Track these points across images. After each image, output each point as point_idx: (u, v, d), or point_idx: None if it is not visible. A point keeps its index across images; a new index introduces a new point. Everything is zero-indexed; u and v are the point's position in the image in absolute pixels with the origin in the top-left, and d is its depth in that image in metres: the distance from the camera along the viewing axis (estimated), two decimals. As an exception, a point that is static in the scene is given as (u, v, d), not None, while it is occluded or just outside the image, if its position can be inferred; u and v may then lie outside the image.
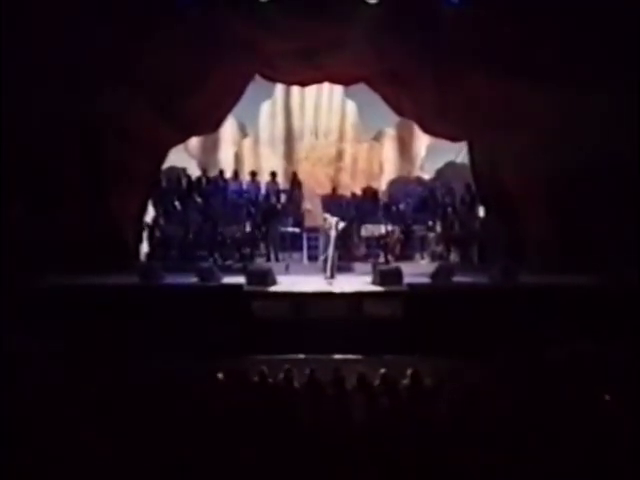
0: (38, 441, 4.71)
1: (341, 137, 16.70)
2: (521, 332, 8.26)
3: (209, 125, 12.51)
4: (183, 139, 12.84)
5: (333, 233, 10.19)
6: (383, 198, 13.50)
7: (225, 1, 10.39)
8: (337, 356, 8.22)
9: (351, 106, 16.73)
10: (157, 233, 11.92)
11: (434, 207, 12.68)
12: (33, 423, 5.03)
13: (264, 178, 13.37)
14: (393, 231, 11.96)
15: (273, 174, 13.21)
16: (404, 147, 16.81)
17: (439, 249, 12.06)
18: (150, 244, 11.86)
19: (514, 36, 10.05)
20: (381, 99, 12.52)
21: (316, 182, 15.31)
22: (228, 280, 9.68)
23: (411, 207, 12.88)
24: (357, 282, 9.73)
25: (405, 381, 6.32)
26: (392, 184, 15.50)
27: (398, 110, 12.64)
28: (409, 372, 6.37)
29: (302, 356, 8.11)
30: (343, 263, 10.75)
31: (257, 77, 12.18)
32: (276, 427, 5.08)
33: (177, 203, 12.46)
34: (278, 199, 12.82)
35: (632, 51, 9.60)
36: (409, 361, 7.02)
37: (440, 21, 10.36)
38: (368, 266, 10.93)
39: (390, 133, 16.93)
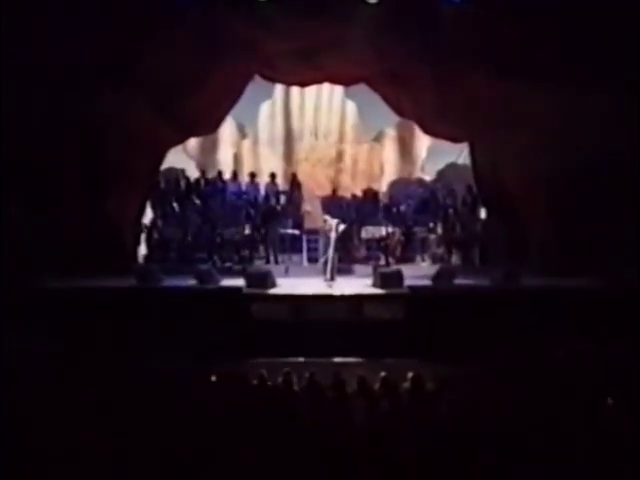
0: (38, 441, 4.70)
1: (341, 138, 16.61)
2: (523, 335, 8.24)
3: (208, 125, 12.50)
4: (182, 140, 12.83)
5: (333, 235, 10.16)
6: (384, 199, 13.44)
7: (225, 1, 10.40)
8: (337, 359, 8.22)
9: (351, 107, 16.65)
10: (155, 235, 11.87)
11: (435, 209, 12.63)
12: (33, 423, 5.02)
13: (263, 179, 13.34)
14: (394, 233, 11.91)
15: (272, 175, 13.18)
16: (405, 148, 16.73)
17: (440, 251, 12.01)
18: (148, 246, 11.81)
19: (514, 36, 10.07)
20: (381, 100, 12.51)
21: (316, 183, 15.26)
22: (227, 282, 9.64)
23: (412, 209, 12.82)
24: (357, 284, 9.70)
25: (406, 385, 6.29)
26: (393, 185, 15.44)
27: (398, 111, 12.64)
28: (410, 376, 6.34)
29: (302, 359, 8.11)
30: (343, 265, 10.72)
31: (257, 77, 12.17)
32: (276, 431, 5.04)
33: (175, 204, 12.42)
34: (277, 200, 12.77)
35: (632, 51, 9.63)
36: (410, 364, 7.01)
37: (440, 21, 10.37)
38: (368, 268, 10.88)
39: (391, 134, 16.85)
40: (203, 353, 8.04)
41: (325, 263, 10.11)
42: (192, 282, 9.43)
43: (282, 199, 12.83)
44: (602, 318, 8.23)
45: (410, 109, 12.23)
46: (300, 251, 11.63)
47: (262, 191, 12.94)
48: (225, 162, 15.92)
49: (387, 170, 16.70)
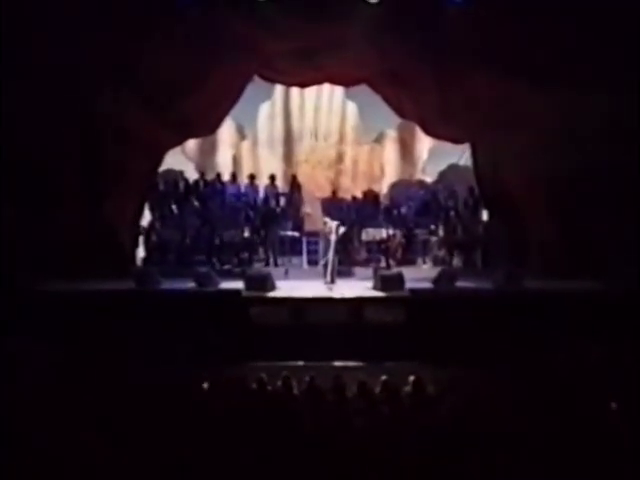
0: (38, 443, 4.71)
1: (341, 139, 16.61)
2: (525, 338, 8.19)
3: (207, 126, 12.46)
4: (181, 141, 12.82)
5: (333, 237, 10.09)
6: (384, 201, 13.44)
7: (225, 1, 10.40)
8: (337, 363, 8.16)
9: (352, 108, 16.65)
10: (153, 237, 11.81)
11: (436, 210, 12.62)
12: (32, 425, 5.02)
13: (263, 181, 13.32)
14: (394, 235, 11.88)
15: (272, 177, 13.15)
16: (406, 149, 16.73)
17: (441, 253, 11.98)
18: (146, 248, 11.76)
19: (514, 36, 10.08)
20: (382, 100, 12.50)
21: (316, 185, 15.26)
22: (226, 285, 9.58)
23: (413, 210, 12.81)
24: (358, 287, 9.65)
25: (407, 388, 6.27)
26: (393, 187, 15.46)
27: (399, 111, 12.63)
28: (411, 379, 6.33)
29: (302, 363, 8.04)
30: (343, 268, 10.68)
31: (256, 78, 12.16)
32: (275, 436, 5.01)
33: (174, 207, 12.39)
34: (277, 202, 12.75)
35: (632, 51, 9.64)
36: (411, 368, 6.99)
37: (441, 21, 10.38)
38: (369, 271, 10.86)
39: (391, 135, 16.85)
40: (202, 356, 8.00)
41: (325, 265, 10.04)
42: (191, 285, 9.37)
43: (282, 201, 12.82)
44: (604, 320, 8.20)
45: (411, 110, 12.23)
46: (300, 253, 11.61)
47: (261, 193, 12.92)
48: (224, 164, 15.93)
49: (388, 172, 16.71)
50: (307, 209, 12.50)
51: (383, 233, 11.82)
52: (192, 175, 14.01)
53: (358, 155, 16.58)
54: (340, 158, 16.46)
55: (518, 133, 10.69)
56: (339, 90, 16.26)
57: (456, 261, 11.92)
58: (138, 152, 11.12)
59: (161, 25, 10.30)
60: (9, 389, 5.86)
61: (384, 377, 6.43)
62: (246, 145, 16.70)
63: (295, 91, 16.30)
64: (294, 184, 13.27)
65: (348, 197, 13.61)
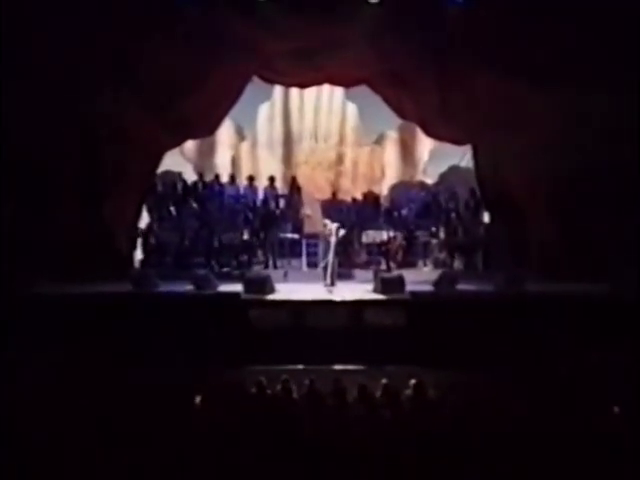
0: (38, 444, 4.75)
1: (341, 140, 16.57)
2: (526, 341, 8.20)
3: (206, 127, 12.45)
4: (180, 142, 12.83)
5: (333, 239, 10.09)
6: (385, 203, 13.41)
7: (225, 1, 10.42)
8: (337, 366, 8.15)
9: (352, 108, 16.61)
10: (152, 239, 11.77)
11: (437, 212, 12.59)
12: (32, 427, 5.06)
13: (262, 183, 13.28)
14: (395, 237, 11.84)
15: (271, 178, 13.11)
16: (406, 151, 16.70)
17: (442, 256, 11.96)
18: (144, 250, 11.71)
19: (514, 36, 10.10)
20: (382, 101, 12.50)
21: (316, 187, 15.22)
22: (225, 288, 9.55)
23: (413, 212, 12.77)
24: (358, 290, 9.64)
25: (407, 392, 6.29)
26: (394, 189, 15.41)
27: (400, 112, 12.63)
28: (412, 383, 6.35)
29: (301, 366, 8.05)
30: (343, 270, 10.65)
31: (255, 79, 12.17)
32: (275, 440, 5.02)
33: (172, 208, 12.35)
34: (277, 204, 12.70)
35: (632, 51, 9.67)
36: (411, 371, 7.00)
37: (440, 21, 10.40)
38: (369, 273, 10.85)
39: (392, 136, 16.82)
40: (200, 360, 7.98)
41: (325, 268, 10.03)
42: (189, 287, 9.35)
43: (281, 203, 12.77)
44: (605, 323, 8.20)
45: (412, 110, 12.23)
46: (299, 256, 11.57)
47: (261, 195, 12.88)
48: (223, 165, 15.89)
49: (388, 173, 16.68)
50: (307, 211, 12.47)
51: (383, 235, 11.78)
52: (191, 176, 13.99)
53: (358, 156, 16.54)
54: (340, 159, 16.42)
55: (518, 133, 10.71)
56: (339, 91, 16.22)
57: (457, 263, 11.89)
58: (137, 152, 11.14)
59: (161, 25, 10.32)
60: (9, 390, 5.90)
61: (384, 381, 6.45)
62: (245, 146, 16.66)
63: (295, 92, 16.27)
64: (294, 186, 13.24)
65: (348, 199, 13.57)
